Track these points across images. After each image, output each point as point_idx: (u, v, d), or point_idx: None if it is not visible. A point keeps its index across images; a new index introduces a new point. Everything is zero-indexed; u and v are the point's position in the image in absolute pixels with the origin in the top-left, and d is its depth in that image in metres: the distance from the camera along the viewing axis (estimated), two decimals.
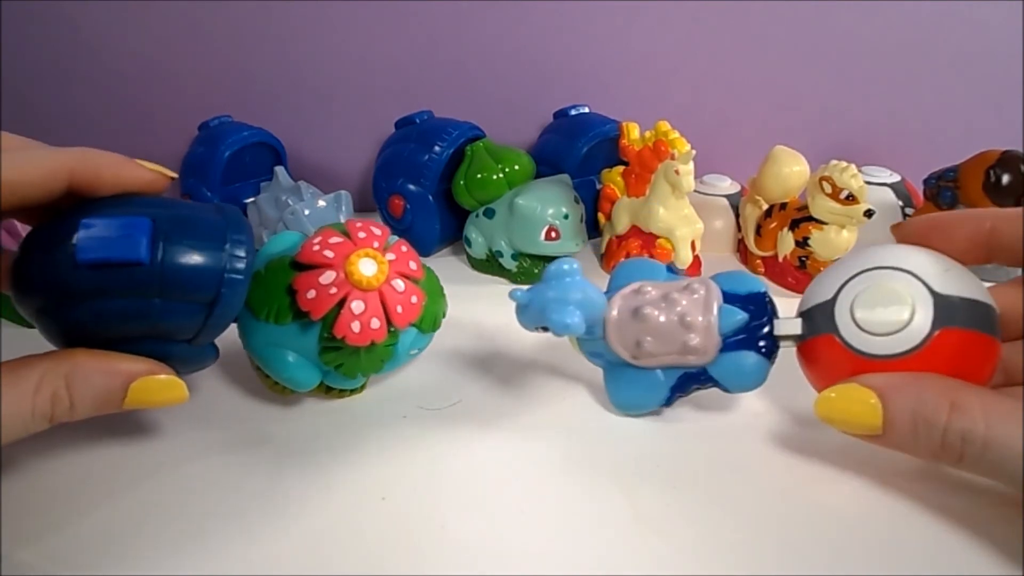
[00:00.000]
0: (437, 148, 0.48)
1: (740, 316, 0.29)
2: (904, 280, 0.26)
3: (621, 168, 0.47)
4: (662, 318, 0.30)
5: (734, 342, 0.29)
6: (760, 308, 0.29)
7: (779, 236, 0.46)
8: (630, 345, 0.30)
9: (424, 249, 0.52)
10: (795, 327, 0.28)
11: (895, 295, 0.26)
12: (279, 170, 0.47)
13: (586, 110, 0.55)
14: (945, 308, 0.25)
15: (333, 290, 0.28)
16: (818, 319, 0.28)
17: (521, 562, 0.25)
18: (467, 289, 0.47)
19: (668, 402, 0.32)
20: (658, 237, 0.44)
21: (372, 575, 0.25)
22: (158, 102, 0.56)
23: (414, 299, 0.30)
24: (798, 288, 0.45)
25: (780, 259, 0.46)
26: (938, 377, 0.25)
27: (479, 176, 0.47)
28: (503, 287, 0.47)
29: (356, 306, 0.28)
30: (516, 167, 0.47)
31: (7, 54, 0.53)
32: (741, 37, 0.56)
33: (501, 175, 0.47)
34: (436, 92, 0.57)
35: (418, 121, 0.52)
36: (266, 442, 0.31)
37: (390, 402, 0.34)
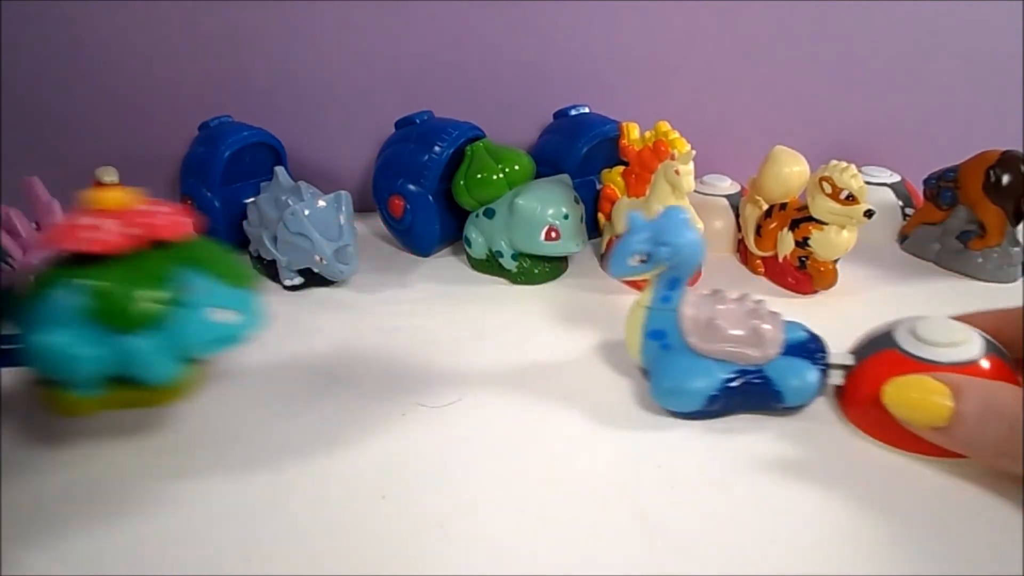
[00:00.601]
0: (437, 148, 0.48)
1: (801, 333, 0.32)
2: (951, 320, 0.31)
3: (621, 168, 0.47)
4: (736, 306, 0.33)
5: (794, 351, 0.32)
6: (815, 338, 0.33)
7: (779, 236, 0.46)
8: (702, 321, 0.32)
9: (424, 249, 0.52)
10: (847, 358, 0.32)
11: (948, 323, 0.30)
12: (279, 170, 0.47)
13: (586, 110, 0.55)
14: (989, 344, 0.30)
15: (66, 218, 0.27)
16: (873, 344, 0.31)
17: (521, 562, 0.25)
18: (467, 289, 0.47)
19: (715, 398, 0.31)
20: None
21: (372, 575, 0.25)
22: (158, 102, 0.56)
23: (181, 220, 0.28)
24: (798, 288, 0.45)
25: (780, 259, 0.46)
26: (1005, 383, 0.27)
27: (479, 176, 0.47)
28: (503, 287, 0.48)
29: (86, 219, 0.26)
30: (516, 167, 0.47)
31: (7, 54, 0.53)
32: (741, 37, 0.56)
33: (501, 175, 0.47)
34: (436, 92, 0.57)
35: (418, 121, 0.52)
36: (265, 442, 0.31)
37: (389, 400, 0.34)
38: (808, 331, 0.33)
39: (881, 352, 0.31)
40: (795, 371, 0.31)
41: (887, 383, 0.28)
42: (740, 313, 0.32)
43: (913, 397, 0.27)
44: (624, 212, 0.44)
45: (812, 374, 0.31)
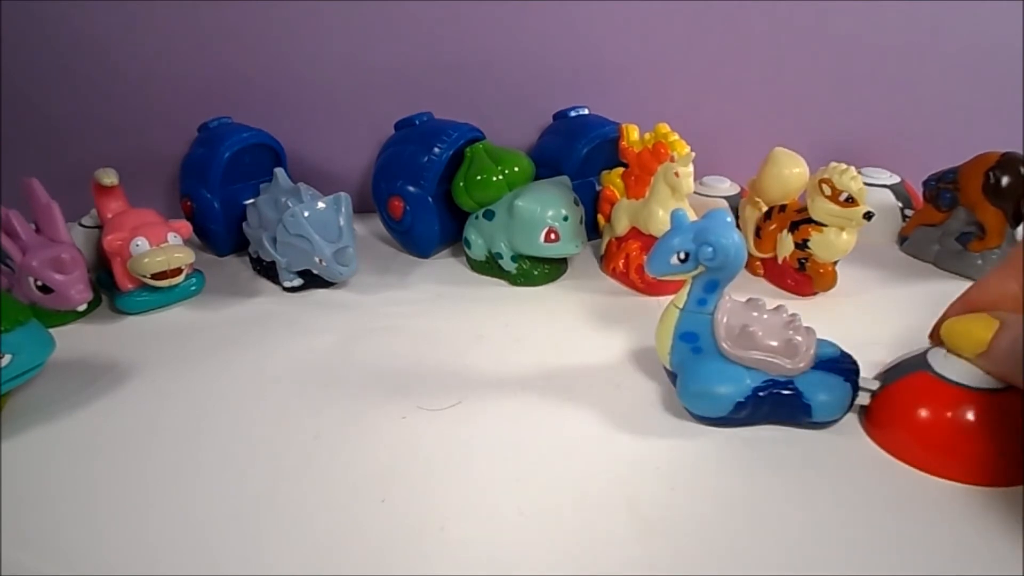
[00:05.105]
0: (437, 150, 0.48)
1: (833, 348, 0.32)
2: None
3: (621, 170, 0.47)
4: (772, 317, 0.32)
5: (826, 366, 0.32)
6: (847, 356, 0.32)
7: (778, 238, 0.46)
8: (735, 327, 0.32)
9: (424, 251, 0.52)
10: (873, 384, 0.32)
11: None
12: (279, 172, 0.47)
13: (586, 111, 0.55)
14: None
15: None
16: (905, 366, 0.32)
17: (521, 562, 0.25)
18: (467, 291, 0.47)
19: (742, 405, 0.31)
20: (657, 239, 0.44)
21: (372, 575, 0.25)
22: (158, 102, 0.56)
23: None
24: (798, 290, 0.45)
25: (780, 261, 0.46)
26: None
27: (479, 178, 0.47)
28: (502, 289, 0.48)
29: None
30: (516, 169, 0.47)
31: (7, 54, 0.53)
32: (741, 39, 0.56)
33: (501, 177, 0.47)
34: (436, 93, 0.57)
35: (418, 123, 0.52)
36: (265, 443, 0.31)
37: (389, 403, 0.34)
38: (840, 349, 0.32)
39: (913, 374, 0.31)
40: (826, 386, 0.31)
41: (947, 322, 0.30)
42: (776, 324, 0.32)
43: (962, 330, 0.29)
44: (667, 211, 0.42)
45: (843, 390, 0.31)
